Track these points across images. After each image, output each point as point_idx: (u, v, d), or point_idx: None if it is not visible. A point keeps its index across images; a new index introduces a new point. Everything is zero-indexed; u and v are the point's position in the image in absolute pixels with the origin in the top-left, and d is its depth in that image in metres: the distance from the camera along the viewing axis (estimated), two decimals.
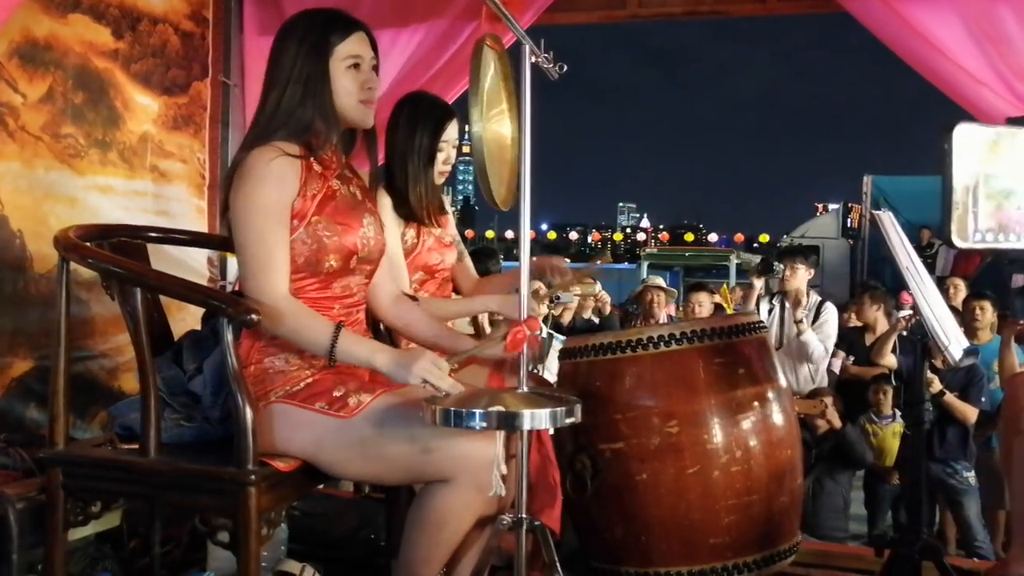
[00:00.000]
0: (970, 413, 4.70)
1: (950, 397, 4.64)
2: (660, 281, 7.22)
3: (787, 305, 5.39)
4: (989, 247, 1.59)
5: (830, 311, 5.43)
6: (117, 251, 2.40)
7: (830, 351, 5.42)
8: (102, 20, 3.27)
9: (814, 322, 5.31)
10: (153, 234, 2.77)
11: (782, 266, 5.44)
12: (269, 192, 2.04)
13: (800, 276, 5.40)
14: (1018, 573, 2.47)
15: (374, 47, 2.19)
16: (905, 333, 3.32)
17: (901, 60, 3.03)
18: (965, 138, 1.35)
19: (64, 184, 3.10)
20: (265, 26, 3.89)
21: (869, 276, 16.54)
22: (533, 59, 1.98)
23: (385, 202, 2.71)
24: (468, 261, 3.10)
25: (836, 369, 5.59)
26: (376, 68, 2.20)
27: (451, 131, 2.81)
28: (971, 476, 4.84)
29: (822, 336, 5.31)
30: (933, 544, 2.27)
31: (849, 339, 5.85)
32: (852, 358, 5.65)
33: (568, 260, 2.96)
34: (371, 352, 2.06)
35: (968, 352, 2.19)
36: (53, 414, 2.24)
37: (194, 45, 3.75)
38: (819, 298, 5.59)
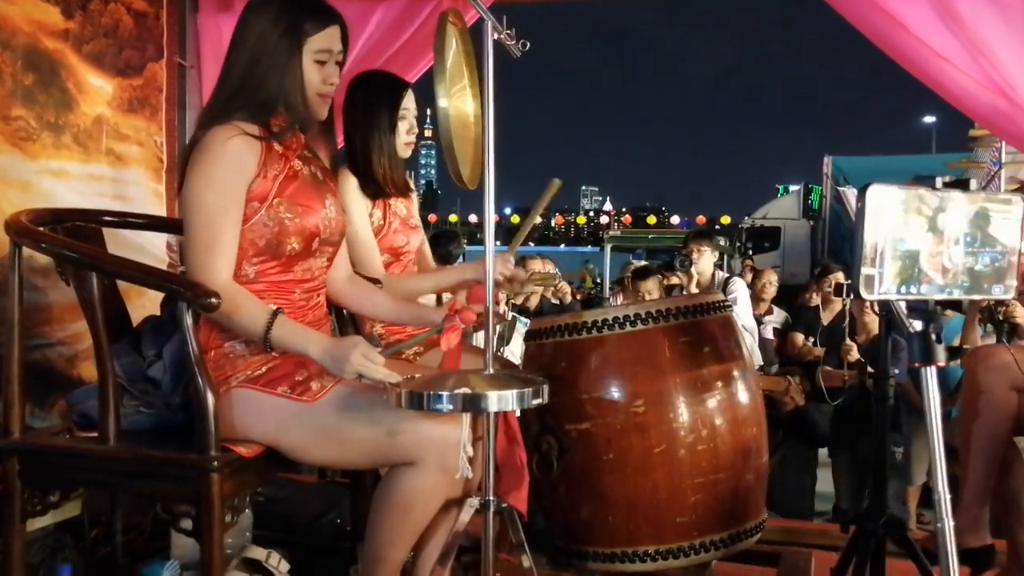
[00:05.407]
0: None
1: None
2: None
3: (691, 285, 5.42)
4: (893, 298, 1.72)
5: (737, 283, 5.48)
6: (72, 236, 2.34)
7: (749, 322, 5.45)
8: None
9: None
10: (109, 218, 2.71)
11: (686, 252, 5.43)
12: (223, 172, 1.99)
13: (707, 258, 5.43)
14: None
15: (344, 41, 2.14)
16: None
17: (860, 41, 3.03)
18: (878, 198, 1.49)
19: (16, 168, 3.01)
20: (221, 5, 3.82)
21: (829, 255, 16.77)
22: (496, 36, 1.94)
23: (351, 182, 2.69)
24: (427, 247, 3.08)
25: (769, 335, 5.69)
26: (340, 63, 2.15)
27: (408, 100, 2.80)
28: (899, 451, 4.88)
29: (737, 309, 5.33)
30: (897, 519, 2.29)
31: (806, 319, 5.89)
32: (812, 339, 5.70)
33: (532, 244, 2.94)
34: (307, 342, 2.00)
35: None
36: (8, 403, 2.19)
37: (148, 25, 3.66)
38: (725, 275, 5.64)
